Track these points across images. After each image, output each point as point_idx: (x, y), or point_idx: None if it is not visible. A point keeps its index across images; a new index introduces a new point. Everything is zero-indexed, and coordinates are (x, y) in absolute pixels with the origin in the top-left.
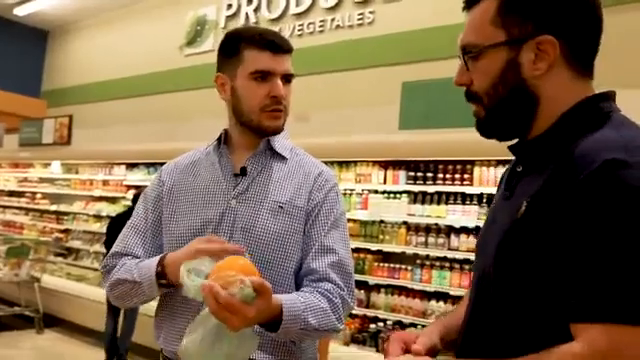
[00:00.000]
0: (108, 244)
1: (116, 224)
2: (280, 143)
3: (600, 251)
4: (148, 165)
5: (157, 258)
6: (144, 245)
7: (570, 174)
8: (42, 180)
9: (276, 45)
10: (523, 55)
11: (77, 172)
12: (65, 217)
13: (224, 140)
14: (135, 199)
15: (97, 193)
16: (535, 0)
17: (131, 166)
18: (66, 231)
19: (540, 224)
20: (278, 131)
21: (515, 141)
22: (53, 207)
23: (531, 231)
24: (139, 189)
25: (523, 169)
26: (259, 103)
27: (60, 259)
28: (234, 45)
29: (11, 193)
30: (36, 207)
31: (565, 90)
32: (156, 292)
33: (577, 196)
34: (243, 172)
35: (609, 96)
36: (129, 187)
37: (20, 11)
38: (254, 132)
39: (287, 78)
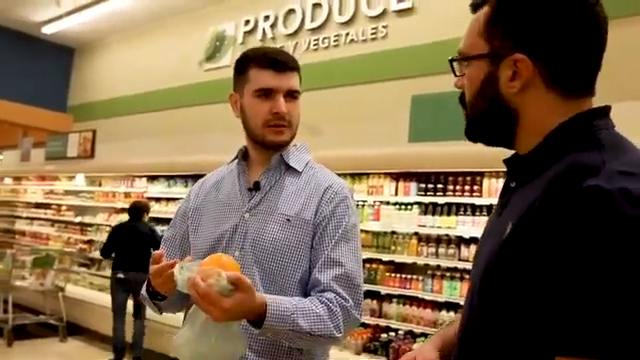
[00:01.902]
0: (104, 252)
1: (115, 235)
2: (295, 157)
3: (578, 285)
4: (168, 178)
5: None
6: (172, 257)
7: (550, 199)
8: (67, 192)
9: (278, 63)
10: (501, 70)
11: (100, 185)
12: (89, 228)
13: (243, 156)
14: (130, 210)
15: (119, 205)
16: (517, 16)
17: (152, 178)
18: (90, 242)
19: (521, 251)
20: (283, 145)
21: (510, 155)
22: (77, 219)
23: (513, 259)
24: (136, 201)
25: (515, 185)
26: (262, 119)
27: (84, 269)
28: (242, 65)
29: (38, 205)
30: (61, 219)
31: (547, 109)
32: (155, 308)
33: (554, 226)
34: (257, 186)
35: (602, 112)
36: (150, 199)
37: (47, 29)
38: (262, 147)
39: (292, 94)
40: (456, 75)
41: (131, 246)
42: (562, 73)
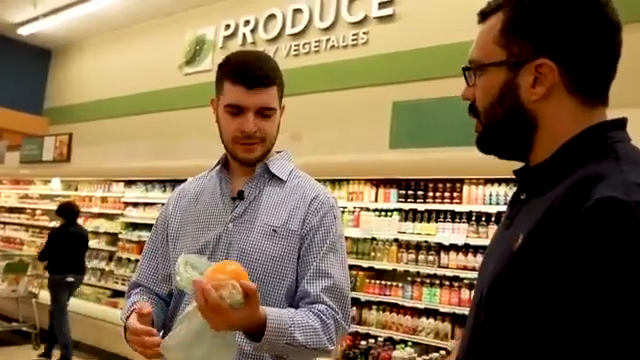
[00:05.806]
0: (45, 255)
1: (60, 238)
2: (279, 166)
3: (592, 301)
4: (146, 182)
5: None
6: (154, 270)
7: (564, 210)
8: (42, 197)
9: (250, 79)
10: (521, 77)
11: (76, 189)
12: None
13: (224, 164)
14: (67, 212)
15: (96, 210)
16: (538, 21)
17: (129, 183)
18: None
19: (534, 264)
20: (253, 162)
21: (520, 165)
22: (52, 223)
23: (525, 271)
24: (68, 202)
25: (525, 197)
26: (231, 135)
27: None
28: (219, 74)
29: (11, 209)
30: (36, 223)
31: (567, 118)
32: None
33: (568, 237)
34: (240, 196)
35: (619, 124)
36: (127, 204)
37: (24, 31)
38: (235, 160)
39: (263, 112)
40: (469, 85)
41: (77, 250)
42: (585, 79)
